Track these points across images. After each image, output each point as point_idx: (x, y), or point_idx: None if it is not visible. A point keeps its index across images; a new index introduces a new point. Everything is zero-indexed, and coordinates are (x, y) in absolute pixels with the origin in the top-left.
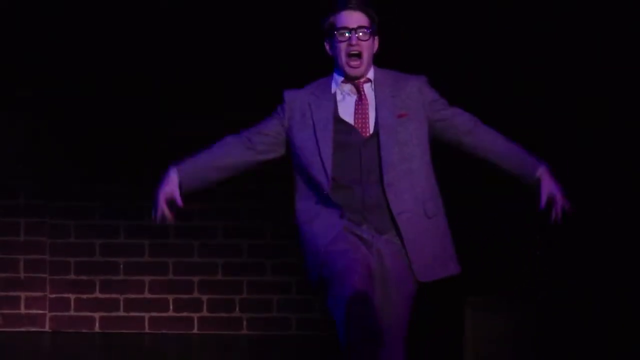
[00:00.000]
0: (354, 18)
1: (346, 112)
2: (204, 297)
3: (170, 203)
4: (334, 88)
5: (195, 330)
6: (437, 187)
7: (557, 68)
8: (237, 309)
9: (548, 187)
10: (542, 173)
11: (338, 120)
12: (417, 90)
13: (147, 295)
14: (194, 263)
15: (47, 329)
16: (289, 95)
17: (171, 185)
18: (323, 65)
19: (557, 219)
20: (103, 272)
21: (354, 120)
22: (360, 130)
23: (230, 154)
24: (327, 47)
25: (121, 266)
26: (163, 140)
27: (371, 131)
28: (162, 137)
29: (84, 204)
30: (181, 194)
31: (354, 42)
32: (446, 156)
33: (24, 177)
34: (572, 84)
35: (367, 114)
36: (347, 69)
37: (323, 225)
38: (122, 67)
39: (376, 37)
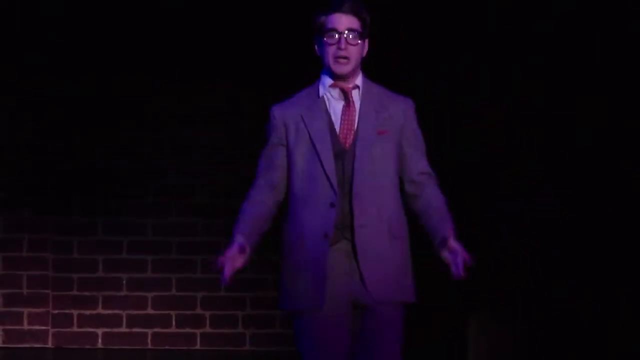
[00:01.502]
0: (343, 21)
1: (335, 119)
2: (207, 313)
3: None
4: (321, 91)
5: (197, 346)
6: (404, 211)
7: (556, 68)
8: (240, 324)
9: (453, 244)
10: (450, 234)
11: (332, 129)
12: (401, 112)
13: (149, 311)
14: (196, 279)
15: (49, 345)
16: (279, 112)
17: (234, 251)
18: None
19: (458, 272)
20: (106, 288)
21: (340, 128)
22: (344, 140)
23: (265, 205)
24: (316, 47)
25: (124, 282)
26: (163, 152)
27: (351, 141)
28: (162, 147)
29: (87, 220)
30: (250, 253)
31: (342, 45)
32: (446, 156)
33: (28, 193)
34: (571, 84)
35: (353, 122)
36: (334, 67)
37: (305, 281)
38: (122, 67)
39: (366, 41)
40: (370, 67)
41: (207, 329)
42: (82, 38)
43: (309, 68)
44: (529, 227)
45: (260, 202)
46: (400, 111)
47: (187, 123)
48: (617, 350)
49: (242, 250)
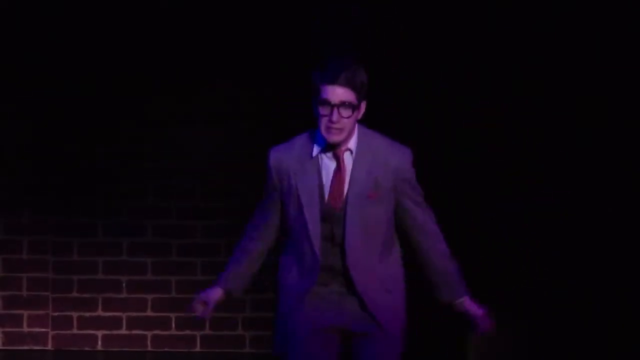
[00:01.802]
0: (337, 93)
1: (326, 180)
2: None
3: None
4: (315, 151)
5: (197, 349)
6: (400, 258)
7: (556, 68)
8: (240, 327)
9: (474, 308)
10: (466, 298)
11: (321, 194)
12: (393, 169)
13: (149, 313)
14: (196, 281)
15: (49, 347)
16: (274, 157)
17: (209, 295)
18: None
19: (484, 332)
20: (105, 290)
21: (330, 191)
22: (333, 203)
23: (257, 246)
24: (312, 104)
25: (124, 284)
26: (164, 153)
27: (341, 205)
28: (163, 148)
29: (87, 221)
30: (230, 297)
31: (334, 118)
32: (446, 156)
33: (27, 194)
34: (571, 84)
35: (343, 186)
36: (327, 136)
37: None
38: (121, 67)
39: (362, 104)
40: (370, 66)
41: (207, 331)
42: (82, 38)
43: (309, 68)
44: (529, 227)
45: (253, 242)
46: (392, 167)
47: (187, 123)
48: (617, 350)
49: (211, 301)
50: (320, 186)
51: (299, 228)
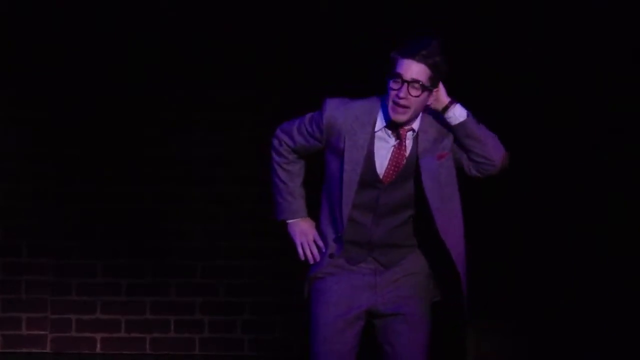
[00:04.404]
0: (412, 69)
1: (380, 154)
2: (206, 318)
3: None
4: (378, 125)
5: (196, 351)
6: (462, 222)
7: (556, 68)
8: (239, 329)
9: None
10: None
11: (368, 165)
12: (449, 134)
13: (148, 316)
14: (195, 284)
15: (48, 350)
16: (331, 114)
17: (307, 232)
18: (320, 70)
19: None
20: (104, 293)
21: (387, 165)
22: (385, 176)
23: (300, 172)
24: (386, 77)
25: (123, 287)
26: (163, 158)
27: (395, 177)
28: (161, 154)
29: (85, 225)
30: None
31: (402, 94)
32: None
33: (25, 198)
34: (571, 84)
35: (402, 162)
36: (391, 113)
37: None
38: (121, 73)
39: (435, 90)
40: (370, 66)
41: (206, 334)
42: (82, 39)
43: (309, 71)
44: (529, 227)
45: (298, 172)
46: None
47: (188, 131)
48: (617, 350)
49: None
50: (367, 160)
51: (334, 189)
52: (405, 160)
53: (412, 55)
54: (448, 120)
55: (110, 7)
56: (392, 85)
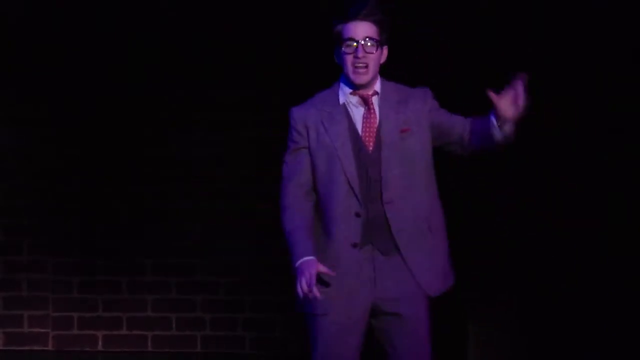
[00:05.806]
0: (361, 28)
1: (357, 124)
2: (207, 316)
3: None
4: (342, 99)
5: (198, 349)
6: (439, 201)
7: (556, 68)
8: (240, 327)
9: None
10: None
11: (354, 134)
12: (421, 101)
13: (149, 313)
14: (196, 282)
15: (50, 347)
16: (299, 113)
17: (311, 271)
18: (322, 70)
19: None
20: (106, 290)
21: (362, 134)
22: (367, 144)
23: (304, 210)
24: (335, 55)
25: (124, 285)
26: (162, 158)
27: (374, 146)
28: (161, 153)
29: (85, 223)
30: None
31: (360, 54)
32: (446, 155)
33: (25, 197)
34: (571, 84)
35: (374, 128)
36: (353, 77)
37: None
38: (121, 73)
39: (385, 47)
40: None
41: (207, 332)
42: (82, 39)
43: (309, 71)
44: (529, 226)
45: (297, 213)
46: (420, 100)
47: (188, 131)
48: (617, 350)
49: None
50: (352, 130)
51: (335, 178)
52: (377, 124)
53: (355, 16)
54: (503, 132)
55: (110, 7)
56: (347, 50)
